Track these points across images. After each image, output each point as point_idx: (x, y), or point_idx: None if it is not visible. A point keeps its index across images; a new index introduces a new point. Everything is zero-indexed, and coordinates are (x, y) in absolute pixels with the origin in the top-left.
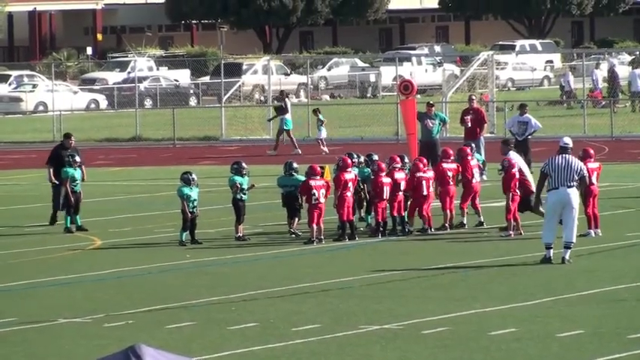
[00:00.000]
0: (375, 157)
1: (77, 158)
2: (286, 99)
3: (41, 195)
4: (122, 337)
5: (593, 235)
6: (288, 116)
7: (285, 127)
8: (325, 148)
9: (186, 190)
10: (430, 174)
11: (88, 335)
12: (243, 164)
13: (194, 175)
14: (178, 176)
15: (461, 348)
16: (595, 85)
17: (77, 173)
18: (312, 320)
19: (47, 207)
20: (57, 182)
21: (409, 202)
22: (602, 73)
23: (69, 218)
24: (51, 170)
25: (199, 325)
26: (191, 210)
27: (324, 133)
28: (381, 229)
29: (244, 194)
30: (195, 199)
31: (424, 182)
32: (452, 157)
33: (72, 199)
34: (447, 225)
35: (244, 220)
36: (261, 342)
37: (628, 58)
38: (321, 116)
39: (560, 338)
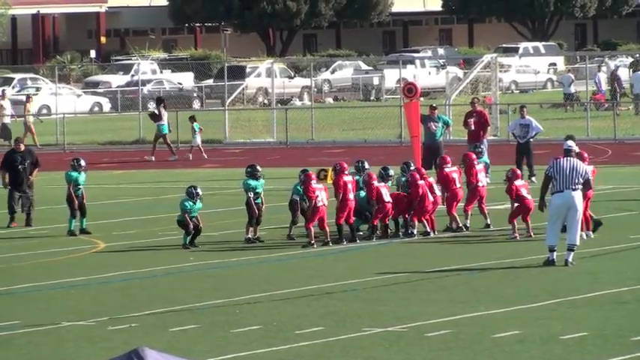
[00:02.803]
0: (366, 166)
1: (82, 162)
2: (160, 106)
3: (44, 198)
4: (126, 340)
5: (585, 237)
6: (162, 122)
7: (161, 133)
8: (204, 154)
9: (188, 205)
10: (431, 179)
11: (93, 338)
12: (258, 167)
13: (199, 190)
14: (182, 179)
15: (464, 350)
16: (599, 87)
17: (81, 177)
18: (316, 323)
19: (51, 210)
20: (9, 186)
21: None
22: (605, 75)
23: (73, 221)
24: (6, 175)
25: (203, 328)
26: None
27: (198, 140)
28: (378, 232)
29: (258, 199)
30: (195, 215)
31: (427, 189)
32: (449, 164)
33: (76, 202)
34: (461, 226)
35: (261, 222)
36: (265, 345)
37: (631, 60)
38: (196, 124)
39: (563, 340)
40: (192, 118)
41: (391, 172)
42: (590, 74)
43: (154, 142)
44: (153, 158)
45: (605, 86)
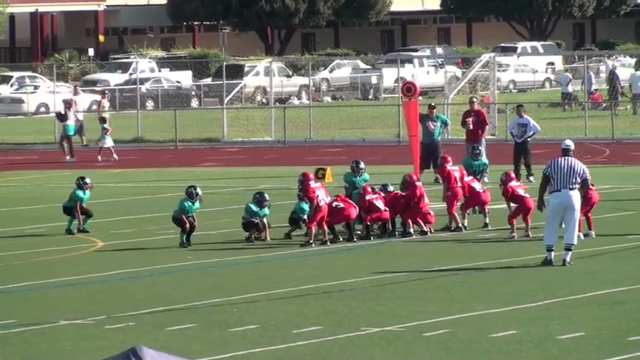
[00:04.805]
0: (362, 166)
1: (88, 180)
2: (66, 107)
3: (43, 197)
4: (123, 339)
5: (582, 237)
6: (69, 123)
7: (67, 133)
8: (115, 156)
9: (187, 205)
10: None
11: (90, 337)
12: (266, 195)
13: (199, 190)
14: (180, 177)
15: (462, 350)
16: (587, 87)
17: (86, 196)
18: (314, 322)
19: (49, 208)
20: None
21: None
22: (594, 75)
23: (73, 221)
24: None
25: (200, 327)
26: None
27: (109, 142)
28: (377, 230)
29: (258, 218)
30: (191, 215)
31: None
32: (450, 162)
33: (79, 214)
34: (460, 226)
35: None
36: (263, 344)
37: (629, 60)
38: (106, 125)
39: (560, 340)
40: (102, 120)
41: (390, 188)
42: (588, 73)
43: (68, 144)
44: (74, 159)
45: (594, 86)
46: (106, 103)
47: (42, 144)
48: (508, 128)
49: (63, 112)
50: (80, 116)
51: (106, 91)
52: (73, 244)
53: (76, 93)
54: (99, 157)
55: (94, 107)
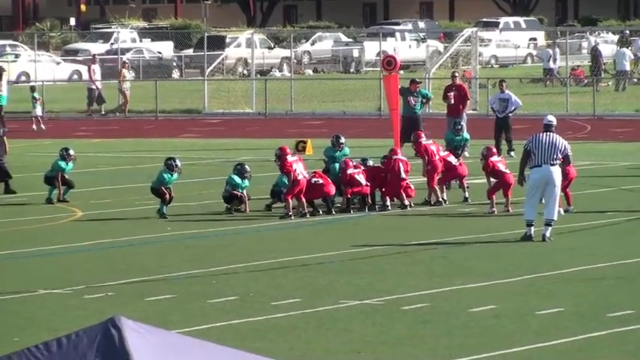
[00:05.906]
0: (342, 140)
1: (71, 152)
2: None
3: (23, 166)
4: (102, 309)
5: (562, 213)
6: (1, 93)
7: None
8: (42, 126)
9: (166, 177)
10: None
11: (68, 307)
12: (247, 167)
13: (178, 162)
14: (160, 148)
15: (440, 324)
16: (548, 65)
17: (69, 167)
18: (293, 294)
19: (29, 177)
20: None
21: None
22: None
23: (53, 190)
24: None
25: (179, 298)
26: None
27: (39, 111)
28: (356, 203)
29: (240, 191)
30: (169, 186)
31: (401, 165)
32: (424, 138)
33: (61, 182)
34: (440, 200)
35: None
36: (242, 315)
37: (612, 36)
38: (35, 94)
39: (539, 316)
40: (32, 89)
41: (370, 162)
42: (571, 49)
43: None
44: None
45: (556, 63)
46: (127, 74)
47: (22, 113)
48: (489, 103)
49: None
50: (99, 85)
51: (127, 61)
52: (52, 214)
53: (94, 62)
54: (34, 127)
55: (75, 77)
